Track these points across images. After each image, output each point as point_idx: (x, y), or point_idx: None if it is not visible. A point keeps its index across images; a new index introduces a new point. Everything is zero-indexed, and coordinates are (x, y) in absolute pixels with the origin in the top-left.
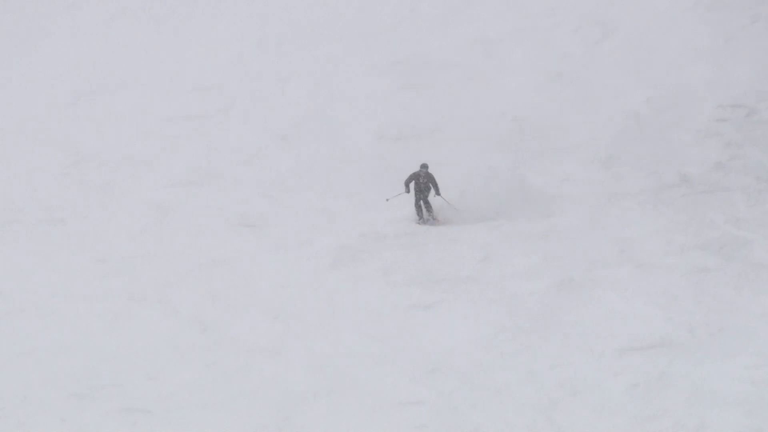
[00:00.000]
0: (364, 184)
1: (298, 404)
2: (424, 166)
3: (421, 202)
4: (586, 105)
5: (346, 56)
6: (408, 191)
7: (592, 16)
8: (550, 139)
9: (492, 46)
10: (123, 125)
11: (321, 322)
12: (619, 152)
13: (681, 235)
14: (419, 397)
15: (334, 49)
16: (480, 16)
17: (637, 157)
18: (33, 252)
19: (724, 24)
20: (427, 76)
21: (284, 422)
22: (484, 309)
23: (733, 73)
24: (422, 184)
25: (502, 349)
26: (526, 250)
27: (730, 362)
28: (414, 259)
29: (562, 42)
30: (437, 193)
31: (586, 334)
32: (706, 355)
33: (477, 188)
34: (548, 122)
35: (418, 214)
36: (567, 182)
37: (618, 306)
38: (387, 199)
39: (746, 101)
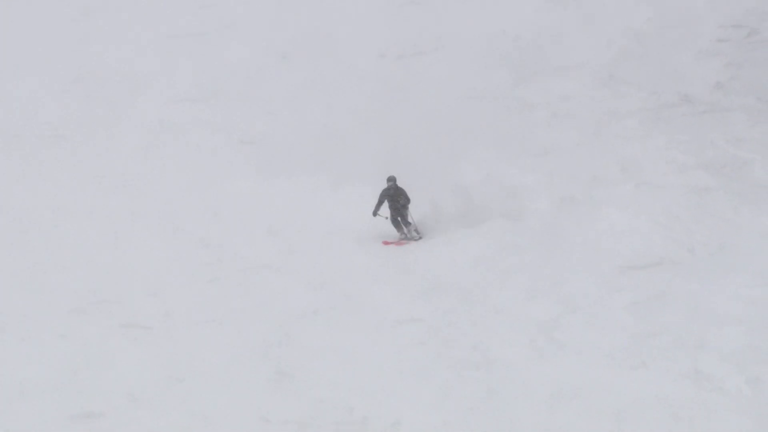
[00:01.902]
0: (365, 102)
1: (298, 320)
2: (391, 179)
3: (399, 219)
4: (587, 24)
5: None
6: (375, 215)
7: None
8: (551, 57)
9: None
10: (125, 43)
11: (322, 239)
12: (620, 71)
13: (681, 154)
14: (419, 315)
15: None
16: None
17: (637, 76)
18: (35, 169)
19: None
20: None
21: (285, 338)
22: (485, 228)
23: None
24: (395, 201)
25: (503, 266)
26: (527, 168)
27: (730, 281)
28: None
29: None
30: (405, 204)
31: (586, 251)
32: (706, 274)
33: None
34: (549, 41)
35: (398, 230)
36: (567, 101)
37: (619, 224)
38: (374, 215)
39: (747, 21)
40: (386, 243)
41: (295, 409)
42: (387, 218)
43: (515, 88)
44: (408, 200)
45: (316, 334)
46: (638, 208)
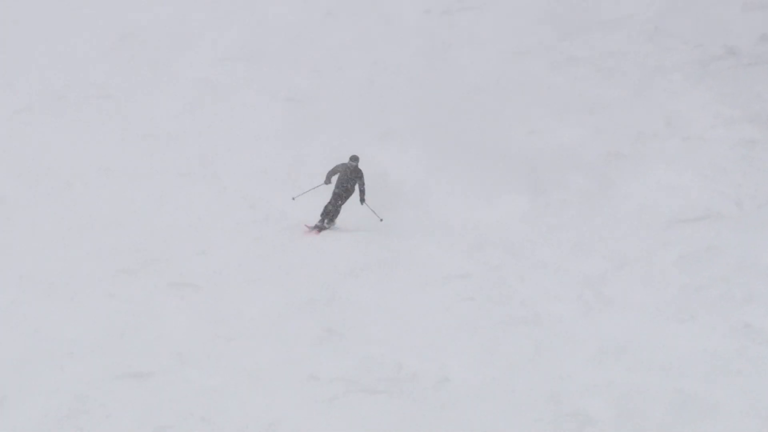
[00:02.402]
0: (409, 58)
1: (346, 278)
2: (354, 159)
3: (331, 208)
4: None
5: None
6: (328, 183)
7: None
8: (596, 12)
9: None
10: (170, 2)
11: (369, 197)
12: (666, 24)
13: (728, 107)
14: (467, 271)
15: None
16: None
17: (683, 29)
18: (81, 128)
19: None
20: None
21: (332, 295)
22: (532, 182)
23: None
24: (347, 181)
25: (550, 222)
26: (574, 123)
27: None
28: (455, 139)
29: None
30: (362, 199)
31: (633, 206)
32: (754, 227)
33: None
34: None
35: (322, 217)
36: (613, 55)
37: (665, 178)
38: (293, 198)
39: None
40: (307, 227)
41: (344, 367)
42: (381, 220)
43: (560, 44)
44: (362, 185)
45: (364, 292)
46: (685, 163)
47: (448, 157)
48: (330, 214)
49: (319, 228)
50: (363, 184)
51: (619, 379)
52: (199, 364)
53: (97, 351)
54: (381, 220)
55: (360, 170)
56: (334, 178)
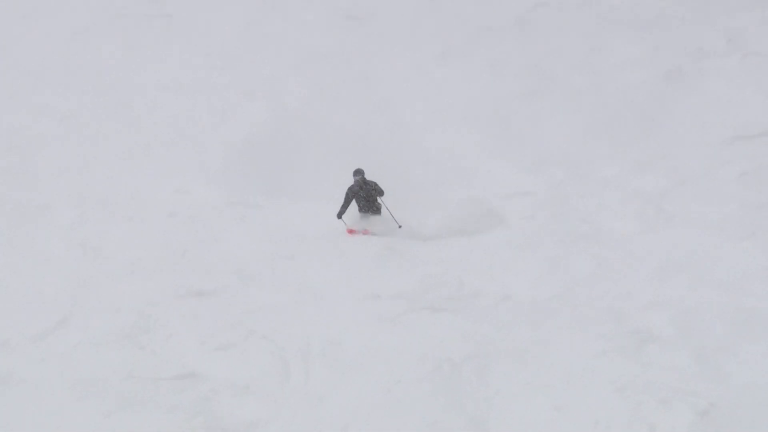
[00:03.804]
0: None
1: (409, 193)
2: (358, 173)
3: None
4: None
5: None
6: (340, 217)
7: None
8: None
9: None
10: None
11: (428, 112)
12: None
13: None
14: (528, 188)
15: None
16: None
17: None
18: (141, 47)
19: None
20: None
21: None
22: (592, 99)
23: None
24: (365, 199)
25: (611, 139)
26: (633, 40)
27: None
28: (518, 55)
29: None
30: (380, 194)
31: (694, 123)
32: None
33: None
34: None
35: (364, 223)
36: None
37: (726, 95)
38: (400, 227)
39: None
40: (351, 231)
41: (405, 285)
42: (400, 226)
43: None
44: (381, 192)
45: (427, 205)
46: (745, 79)
47: (510, 75)
48: (369, 215)
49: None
50: (382, 192)
51: (680, 296)
52: (261, 282)
53: (159, 270)
54: (400, 227)
55: (371, 182)
56: (353, 205)
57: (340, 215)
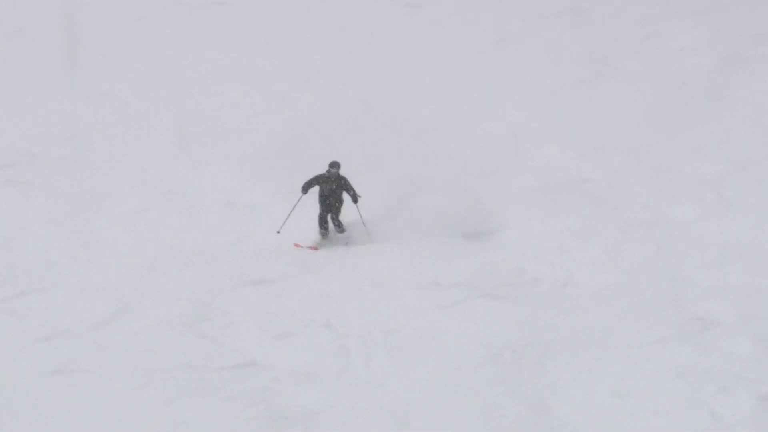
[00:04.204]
0: None
1: (467, 180)
2: (334, 166)
3: (329, 217)
4: None
5: None
6: (305, 192)
7: None
8: None
9: None
10: None
11: (486, 100)
12: None
13: None
14: (587, 174)
15: None
16: None
17: None
18: (197, 35)
19: None
20: None
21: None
22: (650, 85)
23: None
24: (331, 191)
25: (668, 125)
26: (691, 25)
27: None
28: (575, 41)
29: None
30: (355, 198)
31: (753, 109)
32: None
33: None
34: None
35: (321, 228)
36: None
37: None
38: (278, 232)
39: None
40: (297, 245)
41: (465, 272)
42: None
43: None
44: (351, 189)
45: (484, 190)
46: None
47: (567, 62)
48: (326, 222)
49: (327, 237)
50: (351, 188)
51: (740, 282)
52: (321, 270)
53: (217, 258)
54: (365, 226)
55: (344, 177)
56: (313, 190)
57: (303, 190)
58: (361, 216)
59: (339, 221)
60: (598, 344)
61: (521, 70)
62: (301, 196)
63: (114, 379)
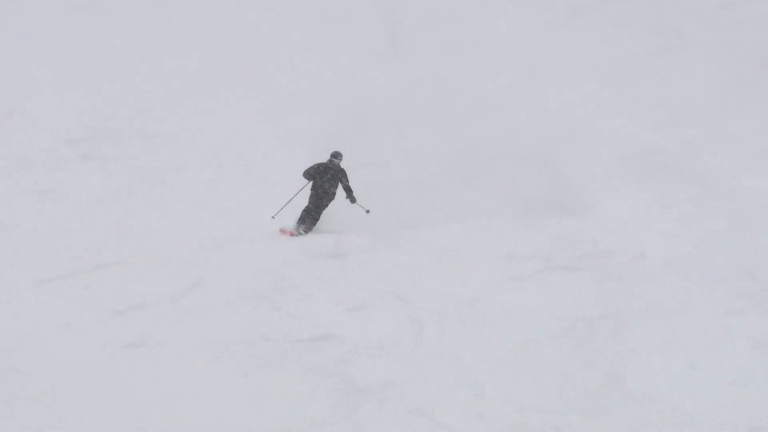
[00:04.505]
0: None
1: (538, 150)
2: (337, 156)
3: (313, 212)
4: None
5: None
6: (310, 179)
7: None
8: None
9: None
10: None
11: (558, 71)
12: None
13: None
14: (659, 146)
15: None
16: None
17: None
18: (269, 7)
19: None
20: None
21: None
22: (722, 55)
23: None
24: (327, 182)
25: (742, 96)
26: None
27: None
28: (646, 12)
29: None
30: (350, 197)
31: None
32: None
33: None
34: None
35: (299, 224)
36: None
37: None
38: (273, 217)
39: None
40: (282, 232)
41: (539, 244)
42: (368, 211)
43: None
44: (346, 183)
45: (556, 164)
46: None
47: (639, 33)
48: (306, 221)
49: (295, 233)
50: (347, 181)
51: None
52: (395, 243)
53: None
54: (367, 211)
55: (343, 170)
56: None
57: (305, 176)
58: (361, 206)
59: (316, 219)
60: (672, 316)
61: (593, 41)
62: (307, 183)
63: (190, 351)
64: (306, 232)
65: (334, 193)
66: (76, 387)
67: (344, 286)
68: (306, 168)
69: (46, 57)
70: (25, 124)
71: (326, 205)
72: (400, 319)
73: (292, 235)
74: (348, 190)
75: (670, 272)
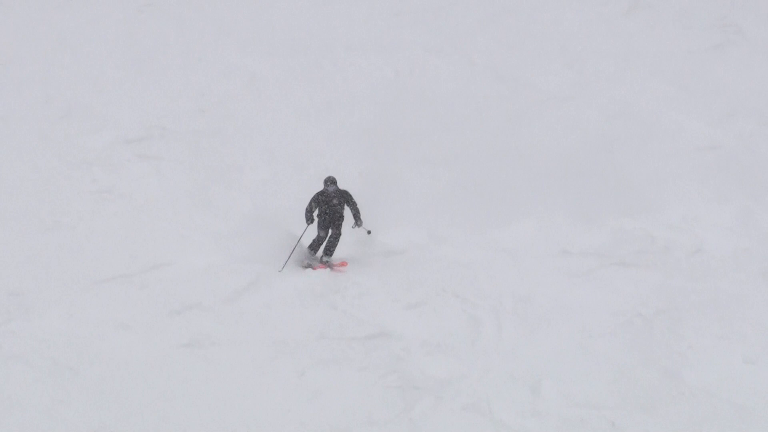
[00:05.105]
0: None
1: (595, 146)
2: (331, 182)
3: (324, 233)
4: None
5: None
6: (311, 221)
7: None
8: None
9: None
10: None
11: (617, 67)
12: None
13: None
14: (718, 141)
15: None
16: None
17: None
18: (326, 4)
19: None
20: None
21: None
22: None
23: None
24: (333, 208)
25: None
26: None
27: None
28: (706, 8)
29: None
30: (357, 220)
31: None
32: None
33: None
34: None
35: (311, 252)
36: None
37: None
38: (280, 270)
39: None
40: (316, 268)
41: (595, 241)
42: (369, 232)
43: None
44: (354, 206)
45: (617, 161)
46: None
47: (699, 29)
48: (321, 245)
49: (314, 263)
50: (354, 204)
51: None
52: (451, 240)
53: (348, 229)
54: (369, 232)
55: (345, 191)
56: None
57: (308, 220)
58: (366, 230)
59: (334, 244)
60: (729, 311)
61: (652, 36)
62: (306, 227)
63: (246, 350)
64: (329, 255)
65: (343, 216)
66: (132, 387)
67: (401, 283)
68: (306, 207)
69: (105, 56)
70: (83, 123)
71: (341, 225)
72: (457, 316)
73: (322, 268)
74: (357, 214)
75: (728, 267)
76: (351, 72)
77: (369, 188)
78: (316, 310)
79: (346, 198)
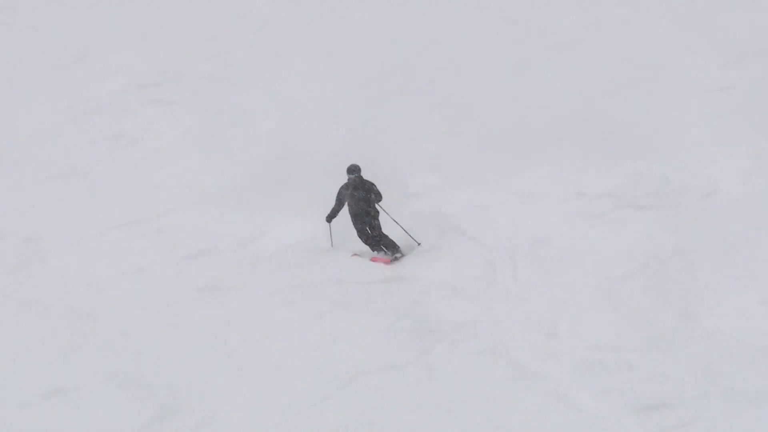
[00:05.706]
0: None
1: (608, 91)
2: (354, 171)
3: (368, 229)
4: None
5: None
6: (329, 220)
7: None
8: None
9: None
10: None
11: (627, 9)
12: None
13: None
14: (730, 82)
15: None
16: None
17: None
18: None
19: None
20: None
21: (595, 113)
22: None
23: None
24: (360, 200)
25: None
26: None
27: None
28: None
29: None
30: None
31: None
32: None
33: None
34: None
35: (371, 247)
36: None
37: None
38: (332, 245)
39: None
40: (375, 259)
41: (610, 182)
42: (419, 243)
43: None
44: (379, 196)
45: (625, 107)
46: None
47: None
48: (370, 239)
49: (385, 255)
50: (378, 194)
51: None
52: (466, 183)
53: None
54: (419, 244)
55: (368, 182)
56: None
57: (329, 218)
58: (403, 228)
59: (380, 232)
60: (744, 252)
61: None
62: (329, 228)
63: (263, 294)
64: (390, 253)
65: (374, 208)
66: (149, 332)
67: (417, 227)
68: (336, 201)
69: (118, 1)
70: (96, 68)
71: (376, 219)
72: (472, 260)
73: (387, 262)
74: (375, 216)
75: (742, 209)
76: (363, 17)
77: (381, 134)
78: (334, 255)
79: (370, 188)
